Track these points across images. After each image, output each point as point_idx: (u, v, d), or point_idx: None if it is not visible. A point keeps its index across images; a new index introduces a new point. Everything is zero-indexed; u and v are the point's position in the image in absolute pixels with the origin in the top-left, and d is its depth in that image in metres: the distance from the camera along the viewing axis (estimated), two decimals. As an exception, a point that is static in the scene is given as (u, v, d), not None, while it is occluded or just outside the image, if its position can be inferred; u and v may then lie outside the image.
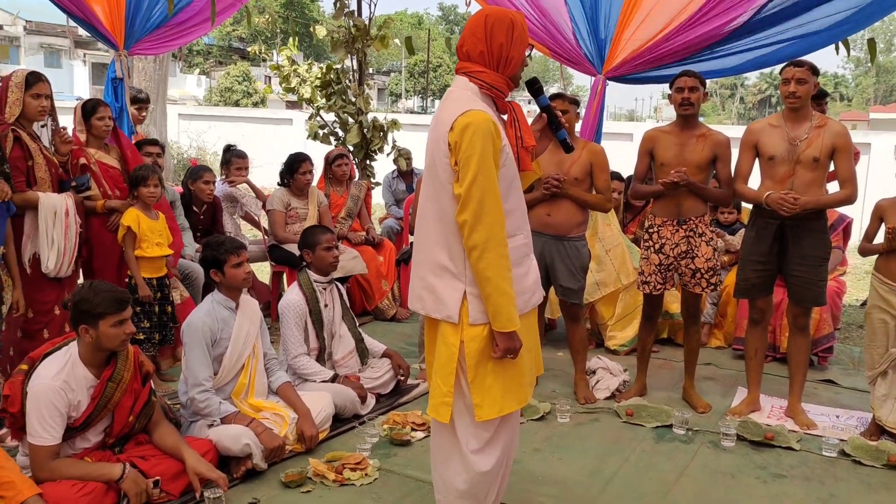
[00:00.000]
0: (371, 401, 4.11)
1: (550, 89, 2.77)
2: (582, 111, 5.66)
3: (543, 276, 4.11)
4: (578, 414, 4.16)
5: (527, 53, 2.51)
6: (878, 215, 3.88)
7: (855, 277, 7.95)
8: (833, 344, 5.10)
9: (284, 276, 5.88)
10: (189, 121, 16.91)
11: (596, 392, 4.43)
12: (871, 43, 5.55)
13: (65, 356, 2.96)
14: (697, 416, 4.14)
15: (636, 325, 4.88)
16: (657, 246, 4.19)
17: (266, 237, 6.01)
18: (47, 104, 3.84)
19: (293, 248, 5.29)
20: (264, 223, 6.09)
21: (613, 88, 6.13)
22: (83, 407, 2.94)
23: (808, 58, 4.12)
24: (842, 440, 3.79)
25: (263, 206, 5.92)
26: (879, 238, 3.85)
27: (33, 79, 3.79)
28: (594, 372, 4.61)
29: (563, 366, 4.66)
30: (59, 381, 2.87)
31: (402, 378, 4.36)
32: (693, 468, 3.55)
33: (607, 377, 4.54)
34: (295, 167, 5.62)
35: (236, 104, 32.40)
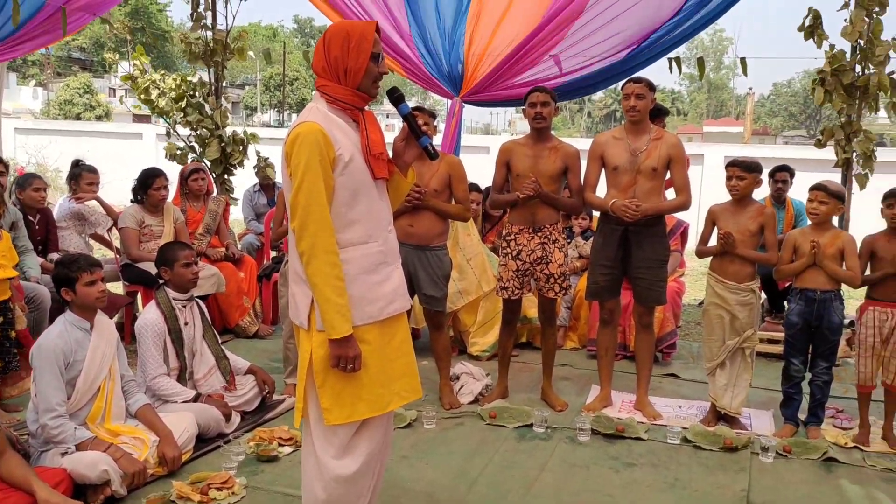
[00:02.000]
0: (236, 418, 4.04)
1: (409, 103, 2.78)
2: (440, 125, 5.85)
3: (407, 286, 4.19)
4: (444, 419, 4.27)
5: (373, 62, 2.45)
6: (712, 220, 4.23)
7: (693, 279, 8.57)
8: (675, 340, 5.51)
9: (139, 296, 5.66)
10: (27, 135, 15.83)
11: (460, 397, 4.56)
12: (701, 61, 6.07)
13: None
14: (555, 415, 4.36)
15: (497, 331, 5.06)
16: (514, 253, 4.38)
17: (118, 256, 5.77)
18: None
19: (148, 267, 5.11)
20: (116, 242, 5.84)
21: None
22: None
23: (646, 75, 4.46)
24: (684, 428, 4.11)
25: (115, 224, 5.68)
26: (713, 241, 4.21)
27: None
28: (458, 378, 4.74)
29: (427, 373, 4.76)
30: None
31: (268, 394, 4.31)
32: (552, 463, 3.74)
33: (471, 382, 4.68)
34: (148, 183, 5.45)
35: (78, 118, 30.68)
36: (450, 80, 6.18)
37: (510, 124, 56.48)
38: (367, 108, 2.56)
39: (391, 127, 29.77)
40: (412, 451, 3.84)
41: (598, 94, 60.49)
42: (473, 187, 5.61)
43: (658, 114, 5.08)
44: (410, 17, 6.05)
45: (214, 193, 6.37)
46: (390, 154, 2.62)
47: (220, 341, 4.27)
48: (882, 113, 5.86)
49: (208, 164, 6.59)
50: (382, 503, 3.15)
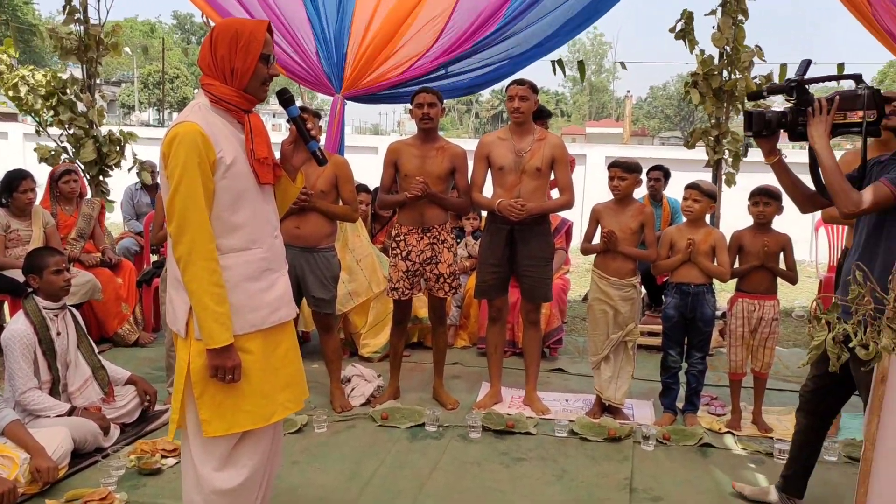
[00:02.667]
0: (115, 431, 3.85)
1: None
2: (324, 125, 5.77)
3: (295, 289, 4.13)
4: (335, 423, 4.23)
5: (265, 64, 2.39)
6: (595, 218, 4.37)
7: (577, 275, 8.83)
8: (562, 336, 5.66)
9: (6, 305, 5.32)
10: None
11: (352, 399, 4.53)
12: (581, 65, 6.28)
13: None
14: (447, 413, 4.40)
15: (388, 332, 5.05)
16: (404, 253, 4.38)
17: (-19, 263, 5.39)
18: None
19: (15, 274, 4.82)
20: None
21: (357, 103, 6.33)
22: None
23: (530, 77, 4.55)
24: (571, 421, 4.23)
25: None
26: (597, 238, 4.35)
27: None
28: (349, 380, 4.71)
29: (318, 377, 4.70)
30: None
31: (149, 404, 4.14)
32: (444, 461, 3.77)
33: (362, 384, 4.66)
34: (14, 185, 5.15)
35: (-65, 115, 28.53)
36: (334, 77, 6.09)
37: (399, 125, 56.59)
38: (253, 109, 2.49)
39: (278, 127, 29.15)
40: (303, 457, 3.78)
41: (486, 96, 61.49)
42: (362, 188, 5.59)
43: (541, 115, 5.20)
44: (311, 11, 5.92)
45: (88, 196, 6.07)
46: (277, 157, 2.56)
47: (96, 351, 4.07)
48: (748, 116, 6.21)
49: (82, 165, 6.26)
50: (272, 511, 3.08)
